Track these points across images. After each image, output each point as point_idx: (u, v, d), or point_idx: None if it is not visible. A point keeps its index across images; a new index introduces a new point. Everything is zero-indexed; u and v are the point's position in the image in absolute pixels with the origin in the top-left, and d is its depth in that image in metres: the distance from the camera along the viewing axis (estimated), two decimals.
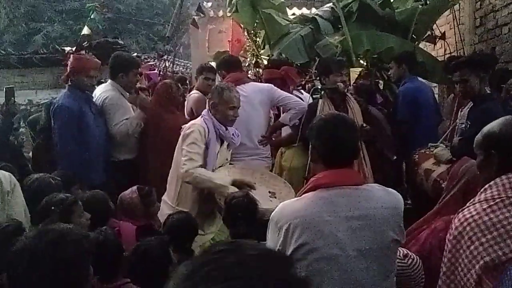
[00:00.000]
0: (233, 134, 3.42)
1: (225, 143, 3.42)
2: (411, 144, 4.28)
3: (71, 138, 3.91)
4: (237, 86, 3.96)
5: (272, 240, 1.89)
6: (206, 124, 3.28)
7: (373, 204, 1.83)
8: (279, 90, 4.05)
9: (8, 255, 1.59)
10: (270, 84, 4.14)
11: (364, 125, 3.70)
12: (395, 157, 4.28)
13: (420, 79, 5.04)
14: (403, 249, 2.35)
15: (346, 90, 3.98)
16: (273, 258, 0.85)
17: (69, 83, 4.05)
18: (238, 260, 0.80)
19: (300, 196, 1.94)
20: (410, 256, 2.31)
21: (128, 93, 4.24)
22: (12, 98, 4.26)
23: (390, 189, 1.96)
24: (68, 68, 4.10)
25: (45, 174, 3.16)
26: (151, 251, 2.36)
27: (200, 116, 3.41)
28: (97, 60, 4.22)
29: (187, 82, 6.33)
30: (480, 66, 3.42)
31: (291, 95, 4.08)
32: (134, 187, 3.35)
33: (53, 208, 2.57)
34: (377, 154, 3.89)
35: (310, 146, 2.05)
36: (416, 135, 4.41)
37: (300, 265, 1.79)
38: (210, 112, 3.35)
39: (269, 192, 3.27)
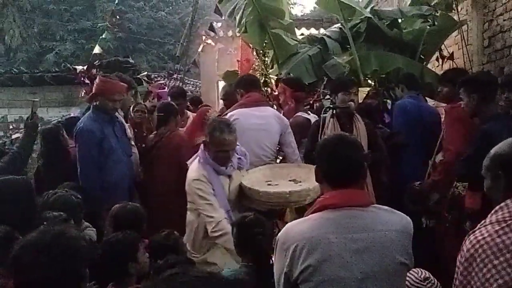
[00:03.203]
0: (239, 158, 3.24)
1: (234, 171, 3.23)
2: (402, 161, 4.27)
3: (91, 162, 3.87)
4: (255, 108, 3.98)
5: (279, 261, 1.88)
6: (202, 168, 3.08)
7: (380, 226, 1.82)
8: (292, 133, 4.07)
9: (14, 250, 1.74)
10: (287, 120, 4.16)
11: (367, 151, 3.66)
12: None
13: (422, 100, 4.95)
14: (424, 271, 2.32)
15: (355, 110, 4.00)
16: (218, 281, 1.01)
17: (94, 104, 4.04)
18: (185, 282, 0.95)
19: (307, 216, 1.93)
20: (431, 280, 2.27)
21: (122, 111, 4.40)
22: (36, 112, 4.31)
23: (397, 211, 1.94)
24: (94, 88, 4.09)
25: (66, 191, 3.18)
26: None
27: (197, 157, 3.19)
28: (123, 84, 4.19)
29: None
30: (471, 86, 3.46)
31: (296, 146, 4.06)
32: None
33: (44, 223, 2.59)
34: (373, 178, 3.83)
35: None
36: (407, 150, 4.33)
37: (306, 286, 1.78)
38: (206, 148, 3.12)
39: (290, 180, 3.18)
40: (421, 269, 2.34)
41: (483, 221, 1.75)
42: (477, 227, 1.74)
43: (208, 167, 3.07)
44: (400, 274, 1.83)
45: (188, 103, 6.06)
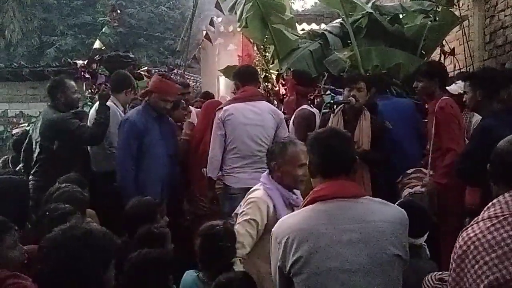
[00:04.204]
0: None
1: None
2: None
3: (129, 153, 3.90)
4: (250, 102, 3.98)
5: (273, 256, 1.90)
6: (270, 196, 2.68)
7: (371, 217, 1.82)
8: (286, 126, 4.07)
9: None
10: (283, 115, 4.17)
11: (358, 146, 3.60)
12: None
13: (393, 98, 4.86)
14: (441, 273, 2.28)
15: (363, 106, 3.95)
16: None
17: (146, 100, 4.10)
18: None
19: (300, 209, 1.95)
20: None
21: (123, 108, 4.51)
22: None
23: (391, 203, 1.96)
24: (149, 85, 4.14)
25: (72, 186, 3.20)
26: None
27: (260, 184, 2.81)
28: (178, 85, 4.24)
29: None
30: (478, 81, 3.45)
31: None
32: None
33: (47, 213, 2.60)
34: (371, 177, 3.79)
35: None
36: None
37: (299, 279, 1.79)
38: (272, 176, 2.75)
39: None
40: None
41: (476, 218, 1.75)
42: (469, 224, 1.75)
43: (277, 195, 2.68)
44: (393, 265, 1.81)
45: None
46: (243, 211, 2.69)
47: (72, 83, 4.53)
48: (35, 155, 4.28)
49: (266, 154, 2.86)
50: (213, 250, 2.53)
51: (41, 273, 1.65)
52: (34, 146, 4.35)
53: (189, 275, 2.64)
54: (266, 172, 2.82)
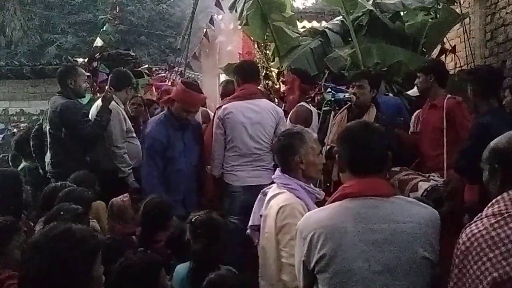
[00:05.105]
0: None
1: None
2: None
3: (155, 171, 3.89)
4: (249, 100, 3.97)
5: (298, 250, 1.86)
6: (298, 197, 2.39)
7: (401, 217, 1.75)
8: (286, 124, 4.05)
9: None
10: (283, 113, 4.15)
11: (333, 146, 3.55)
12: None
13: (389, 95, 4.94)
14: None
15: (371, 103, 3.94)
16: None
17: (168, 107, 4.05)
18: None
19: (328, 204, 1.90)
20: None
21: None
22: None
23: (422, 203, 1.90)
24: (173, 93, 4.06)
25: (79, 188, 3.20)
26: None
27: (278, 186, 2.49)
28: (204, 96, 4.17)
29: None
30: (472, 79, 3.48)
31: None
32: (126, 193, 3.41)
33: (62, 213, 2.62)
34: None
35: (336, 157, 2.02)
36: None
37: (323, 276, 1.75)
38: (289, 174, 2.46)
39: None
40: None
41: (479, 214, 1.73)
42: (473, 220, 1.73)
43: (304, 194, 2.42)
44: (421, 268, 1.74)
45: None
46: (287, 223, 2.29)
47: (83, 71, 4.57)
48: (48, 142, 4.34)
49: (279, 151, 2.53)
50: (193, 238, 2.66)
51: (25, 277, 1.60)
52: (46, 136, 4.38)
53: (183, 266, 2.72)
54: (277, 171, 2.52)
